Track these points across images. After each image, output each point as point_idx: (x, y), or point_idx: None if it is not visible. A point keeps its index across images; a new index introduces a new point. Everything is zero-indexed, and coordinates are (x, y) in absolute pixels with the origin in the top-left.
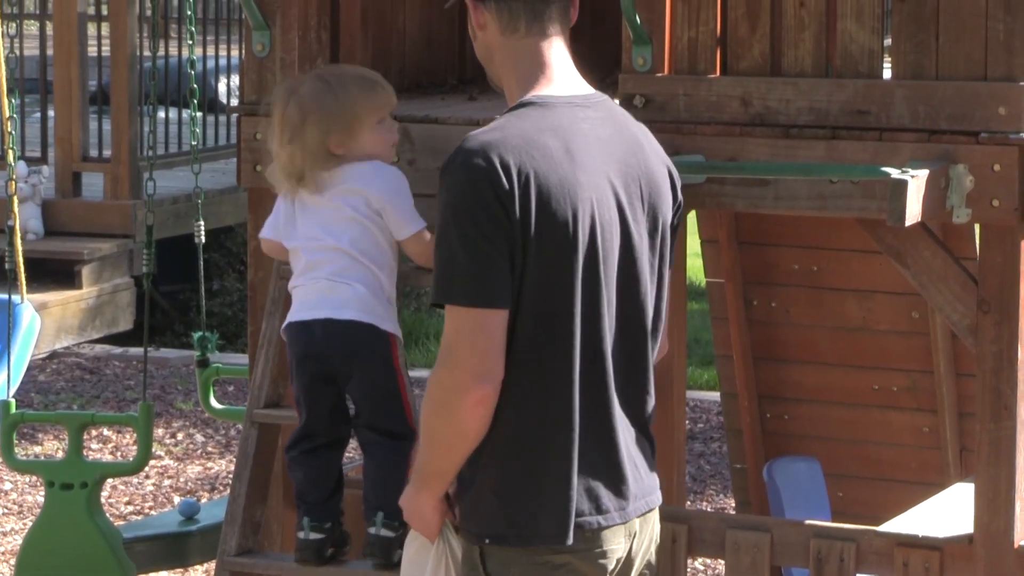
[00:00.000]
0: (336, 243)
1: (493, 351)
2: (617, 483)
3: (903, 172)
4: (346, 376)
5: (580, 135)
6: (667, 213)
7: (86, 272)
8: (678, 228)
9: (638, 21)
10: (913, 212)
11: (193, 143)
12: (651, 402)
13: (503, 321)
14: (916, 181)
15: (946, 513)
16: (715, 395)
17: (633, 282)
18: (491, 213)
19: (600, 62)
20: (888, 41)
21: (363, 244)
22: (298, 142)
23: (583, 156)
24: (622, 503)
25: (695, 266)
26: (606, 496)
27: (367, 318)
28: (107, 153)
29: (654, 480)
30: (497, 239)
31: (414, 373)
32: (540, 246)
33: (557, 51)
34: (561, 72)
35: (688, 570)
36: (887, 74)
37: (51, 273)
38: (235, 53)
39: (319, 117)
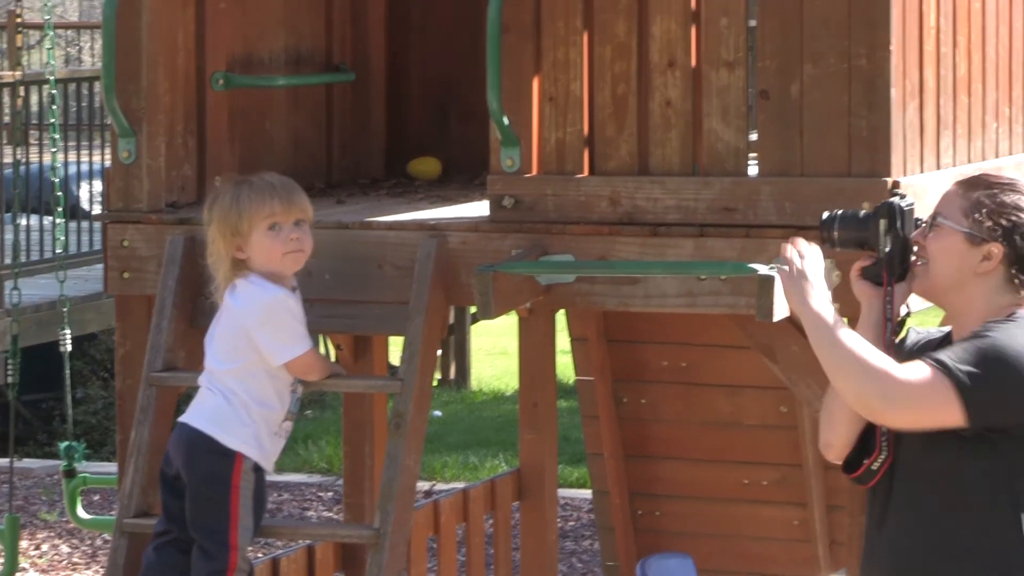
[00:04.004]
0: (216, 352)
1: None
2: None
3: (771, 268)
4: (183, 481)
5: None
6: None
7: None
8: None
9: (506, 122)
10: (781, 308)
11: (59, 251)
12: None
13: None
14: None
15: None
16: (586, 493)
17: None
18: None
19: (468, 164)
20: (754, 136)
21: (231, 356)
22: (209, 247)
23: None
24: None
25: (564, 364)
26: None
27: (211, 430)
28: None
29: None
30: None
31: (295, 477)
32: None
33: None
34: None
35: None
36: (753, 171)
37: None
38: (96, 158)
39: (218, 218)
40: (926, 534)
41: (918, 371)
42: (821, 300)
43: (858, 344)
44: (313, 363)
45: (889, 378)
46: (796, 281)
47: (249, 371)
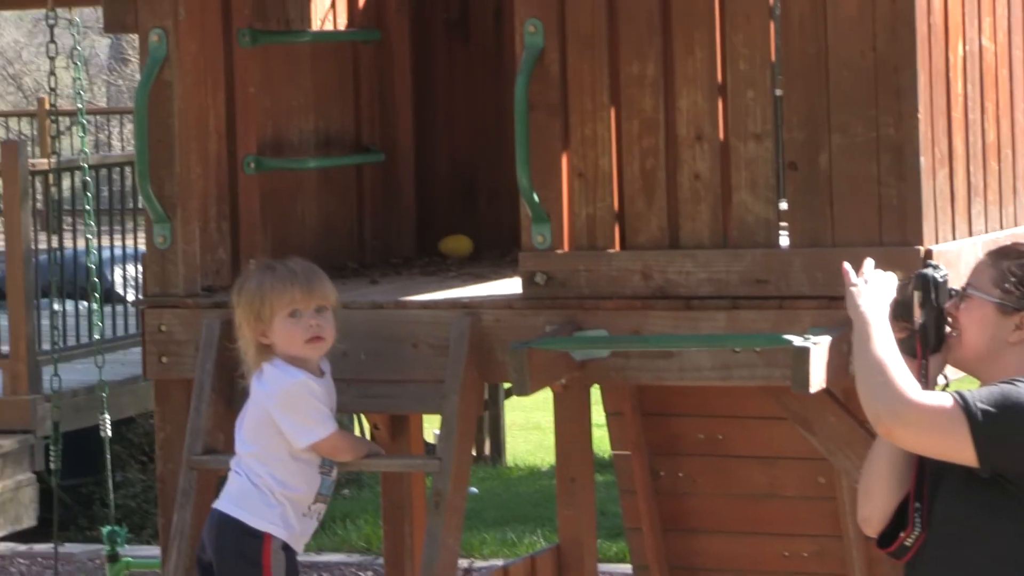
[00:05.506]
0: (243, 436)
1: None
2: None
3: (805, 339)
4: (216, 565)
5: None
6: None
7: None
8: None
9: (536, 199)
10: (817, 379)
11: (97, 337)
12: None
13: None
14: (818, 348)
15: None
16: (626, 567)
17: None
18: None
19: (498, 241)
20: (784, 205)
21: (255, 439)
22: (236, 328)
23: None
24: None
25: (600, 437)
26: None
27: (237, 513)
28: (5, 349)
29: None
30: None
31: (334, 557)
32: None
33: None
34: None
35: None
36: (784, 241)
37: None
38: (129, 243)
39: (244, 304)
40: None
41: (937, 398)
42: (872, 305)
43: (889, 356)
44: (339, 444)
45: (904, 396)
46: (859, 286)
47: (271, 453)
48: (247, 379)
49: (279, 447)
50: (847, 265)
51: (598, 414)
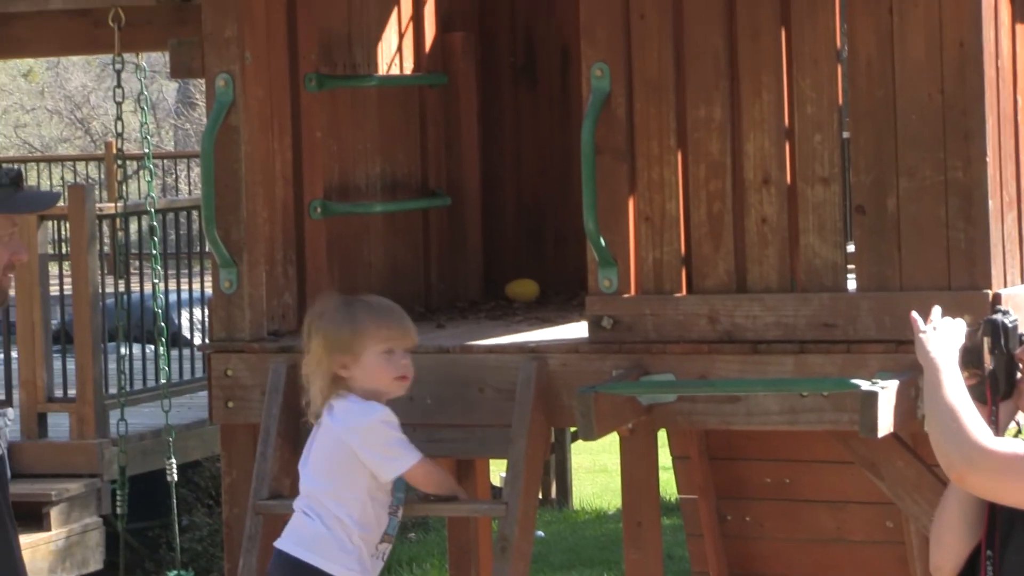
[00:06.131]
0: (313, 474)
1: None
2: None
3: (873, 383)
4: None
5: None
6: None
7: (55, 513)
8: None
9: (603, 243)
10: (885, 423)
11: (163, 381)
12: None
13: None
14: (886, 392)
15: None
16: None
17: None
18: None
19: (565, 285)
20: (852, 248)
21: (331, 476)
22: (307, 358)
23: None
24: None
25: (667, 480)
26: None
27: (313, 559)
28: (72, 392)
29: None
30: None
31: None
32: None
33: None
34: None
35: None
36: (852, 285)
37: (19, 516)
38: (196, 286)
39: (326, 333)
40: None
41: (1011, 445)
42: (942, 352)
43: (961, 402)
44: (430, 471)
45: (977, 442)
46: (928, 333)
47: (350, 492)
48: (310, 413)
49: (358, 485)
50: (915, 314)
51: (665, 457)
